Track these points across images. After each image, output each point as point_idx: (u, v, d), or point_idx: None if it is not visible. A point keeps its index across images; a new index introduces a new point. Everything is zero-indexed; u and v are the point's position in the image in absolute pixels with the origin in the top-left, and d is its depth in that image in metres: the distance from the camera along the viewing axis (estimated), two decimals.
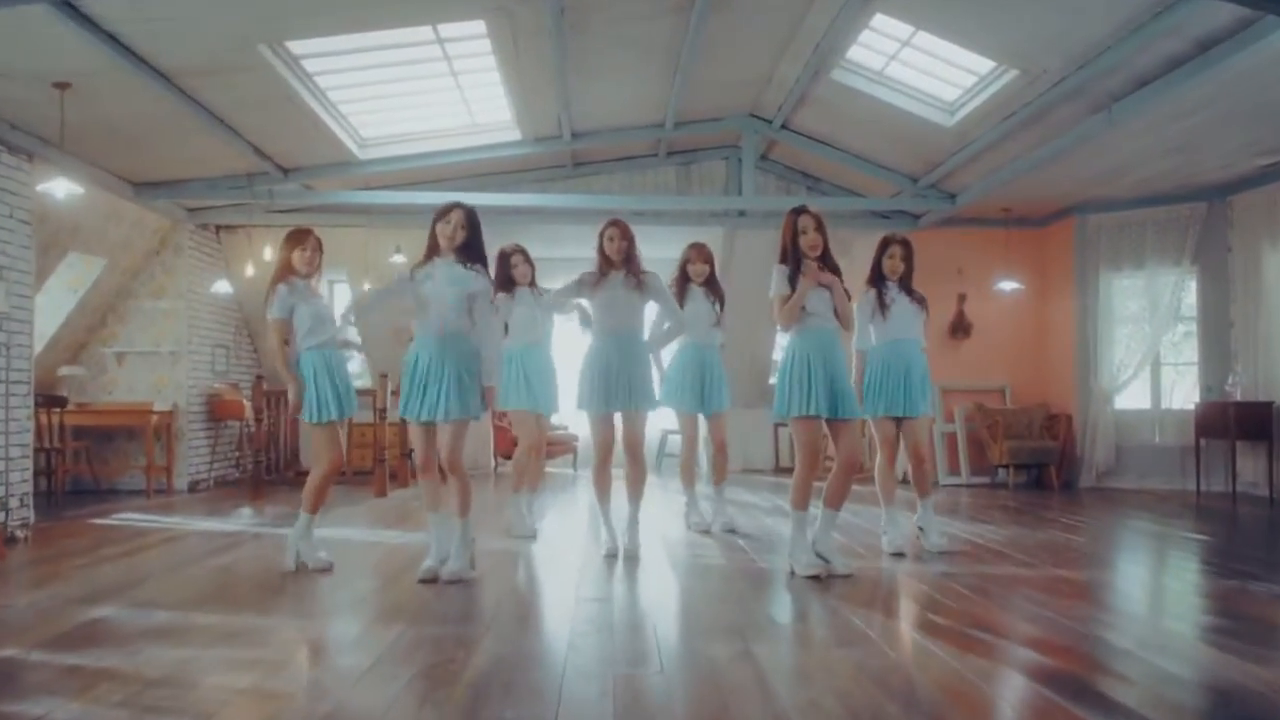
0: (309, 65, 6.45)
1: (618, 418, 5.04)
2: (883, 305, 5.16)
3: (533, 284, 6.00)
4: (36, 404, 7.74)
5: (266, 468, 9.08)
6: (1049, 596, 4.11)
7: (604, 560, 5.01)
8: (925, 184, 8.69)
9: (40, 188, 6.27)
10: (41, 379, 8.56)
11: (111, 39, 5.26)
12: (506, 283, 5.92)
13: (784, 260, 4.47)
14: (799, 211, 4.52)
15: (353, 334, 4.36)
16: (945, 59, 6.77)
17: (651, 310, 5.32)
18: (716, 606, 4.00)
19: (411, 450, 8.97)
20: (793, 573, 4.49)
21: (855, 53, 6.96)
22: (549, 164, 9.23)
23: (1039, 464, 9.08)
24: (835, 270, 4.53)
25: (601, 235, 5.07)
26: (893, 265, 5.23)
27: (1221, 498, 8.05)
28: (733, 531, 5.95)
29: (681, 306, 5.89)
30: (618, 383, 4.93)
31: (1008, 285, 9.36)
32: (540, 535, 5.91)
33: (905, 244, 5.29)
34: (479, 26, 6.16)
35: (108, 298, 9.00)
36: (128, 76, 5.66)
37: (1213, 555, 5.46)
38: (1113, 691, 2.77)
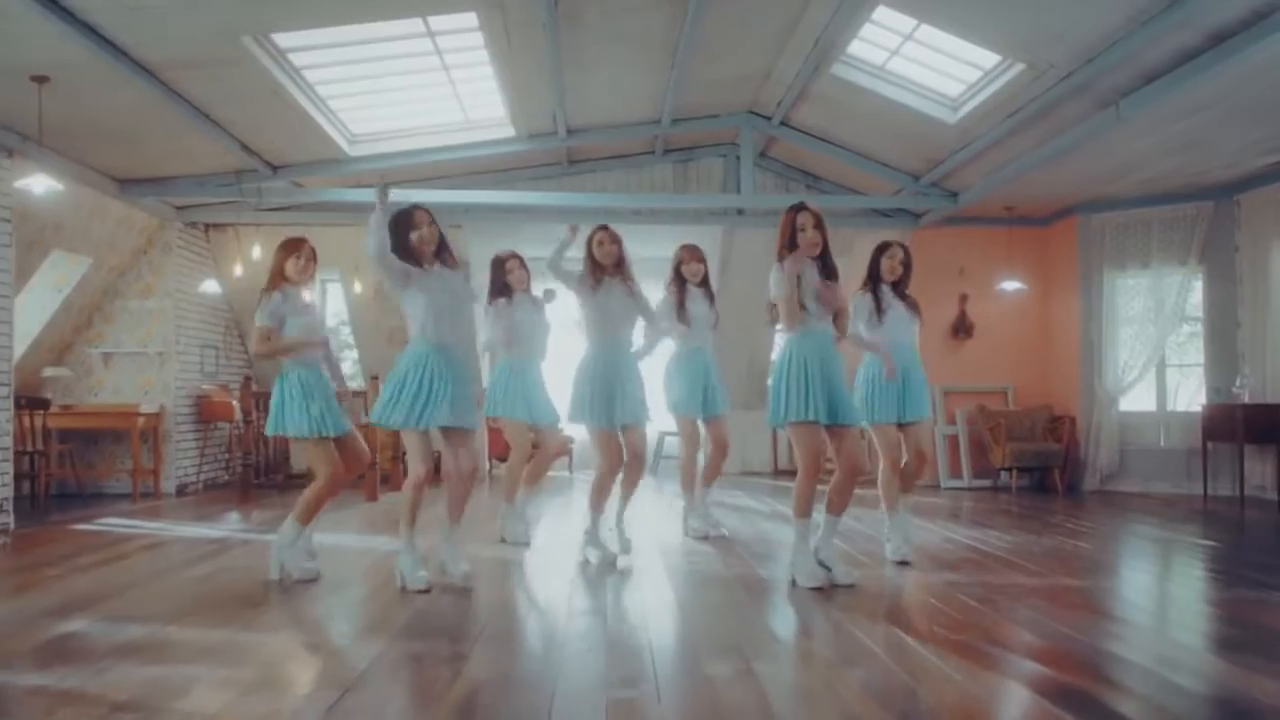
0: (296, 59, 6.30)
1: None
2: (879, 309, 5.03)
3: (529, 289, 5.90)
4: (19, 406, 7.59)
5: (256, 471, 8.92)
6: (1058, 608, 3.97)
7: (597, 570, 4.87)
8: (927, 182, 8.54)
9: (18, 184, 6.11)
10: (25, 381, 8.40)
11: (90, 30, 5.10)
12: (503, 289, 5.79)
13: (782, 259, 4.33)
14: (798, 209, 4.38)
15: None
16: (949, 53, 6.63)
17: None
18: (715, 620, 3.85)
19: (404, 453, 8.85)
20: (794, 583, 4.35)
21: (856, 47, 6.80)
22: (543, 162, 9.07)
23: (1042, 467, 8.94)
24: (834, 270, 4.40)
25: (590, 241, 4.96)
26: (891, 266, 5.09)
27: (1229, 502, 7.91)
28: (705, 538, 5.81)
29: (683, 309, 5.79)
30: (622, 395, 4.86)
31: (1010, 285, 9.21)
32: (534, 542, 5.76)
33: (905, 247, 5.18)
34: (470, 19, 5.99)
35: (94, 297, 8.83)
36: (108, 69, 5.50)
37: (1224, 563, 5.32)
38: (1127, 709, 2.62)
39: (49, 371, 8.61)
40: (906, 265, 5.13)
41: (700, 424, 6.00)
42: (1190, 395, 9.08)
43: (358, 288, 10.16)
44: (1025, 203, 8.94)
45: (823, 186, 9.49)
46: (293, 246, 4.70)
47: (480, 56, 6.59)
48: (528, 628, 3.82)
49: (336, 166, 8.05)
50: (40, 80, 5.61)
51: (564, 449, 9.84)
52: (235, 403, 9.34)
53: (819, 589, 4.23)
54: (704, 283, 5.99)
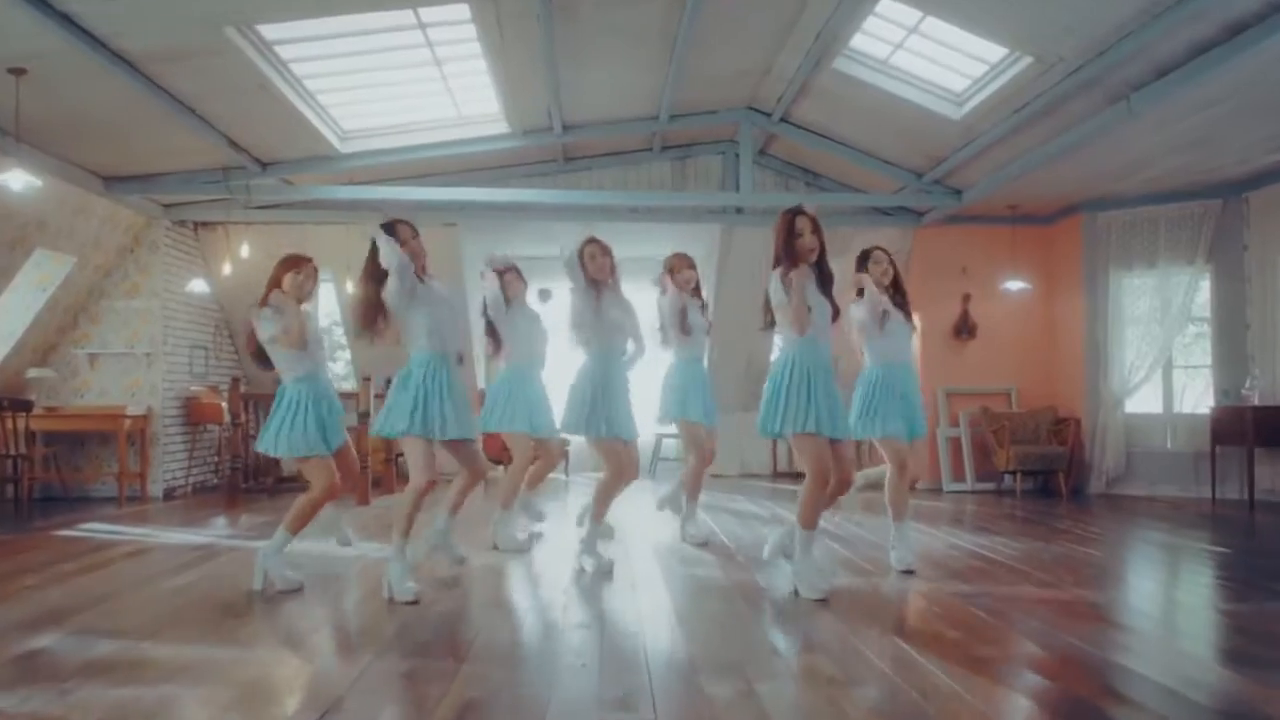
0: (283, 52, 6.12)
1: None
2: (883, 314, 4.89)
3: (524, 300, 5.86)
4: (1, 408, 7.41)
5: (245, 474, 8.75)
6: (1069, 619, 3.82)
7: (592, 579, 4.72)
8: (930, 180, 8.37)
9: None
10: (9, 382, 8.22)
11: (66, 20, 4.92)
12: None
13: (778, 263, 4.18)
14: (795, 211, 4.23)
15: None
16: (954, 46, 6.46)
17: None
18: (715, 634, 3.68)
19: (399, 456, 8.68)
20: (797, 593, 4.20)
21: (859, 41, 6.64)
22: (539, 158, 8.90)
23: (1047, 470, 8.78)
24: (830, 275, 4.27)
25: (582, 254, 4.81)
26: (881, 271, 4.97)
27: (1237, 505, 7.75)
28: (704, 545, 5.68)
29: (685, 318, 5.69)
30: (625, 408, 4.84)
31: (1014, 285, 9.06)
32: (529, 549, 5.60)
33: (887, 252, 5.08)
34: (462, 10, 5.83)
35: (79, 297, 8.65)
36: (86, 61, 5.32)
37: (1236, 569, 5.16)
38: None
39: (33, 373, 8.42)
40: (894, 265, 5.05)
41: None
42: (1197, 397, 8.92)
43: (350, 288, 9.98)
44: (1029, 201, 8.78)
45: (823, 184, 9.32)
46: (294, 263, 4.57)
47: (473, 50, 6.42)
48: (520, 641, 3.65)
49: (327, 163, 7.87)
50: (17, 73, 5.44)
51: (563, 455, 9.75)
52: (224, 404, 9.16)
53: (822, 600, 4.09)
54: (697, 290, 5.88)
